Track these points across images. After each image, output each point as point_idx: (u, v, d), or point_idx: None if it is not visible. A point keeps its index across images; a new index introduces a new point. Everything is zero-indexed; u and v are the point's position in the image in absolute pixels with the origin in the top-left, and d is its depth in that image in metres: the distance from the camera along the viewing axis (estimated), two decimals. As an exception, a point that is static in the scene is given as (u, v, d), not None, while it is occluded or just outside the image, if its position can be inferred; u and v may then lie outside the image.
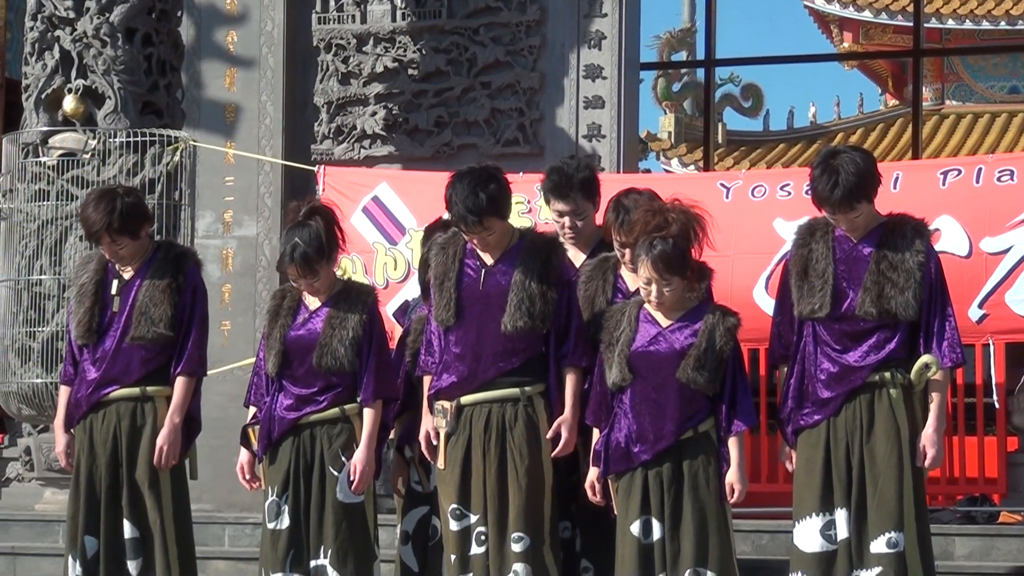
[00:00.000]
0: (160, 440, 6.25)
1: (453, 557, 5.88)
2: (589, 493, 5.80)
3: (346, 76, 10.56)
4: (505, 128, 10.33)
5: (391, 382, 6.13)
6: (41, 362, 8.96)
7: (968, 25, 21.41)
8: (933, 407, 5.65)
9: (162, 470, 6.26)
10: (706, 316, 5.70)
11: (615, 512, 5.74)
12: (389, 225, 8.88)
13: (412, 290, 7.98)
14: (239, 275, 10.30)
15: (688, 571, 5.60)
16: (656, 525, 5.65)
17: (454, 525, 5.87)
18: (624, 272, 6.07)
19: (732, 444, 5.67)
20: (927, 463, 5.64)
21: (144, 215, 6.39)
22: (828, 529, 5.61)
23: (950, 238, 7.82)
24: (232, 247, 10.34)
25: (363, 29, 10.56)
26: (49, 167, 9.07)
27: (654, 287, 5.67)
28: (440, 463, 5.92)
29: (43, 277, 9.03)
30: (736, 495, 5.65)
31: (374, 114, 10.49)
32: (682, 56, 20.47)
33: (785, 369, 5.83)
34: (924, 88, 19.48)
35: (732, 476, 5.65)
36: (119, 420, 6.30)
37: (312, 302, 6.12)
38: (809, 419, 5.71)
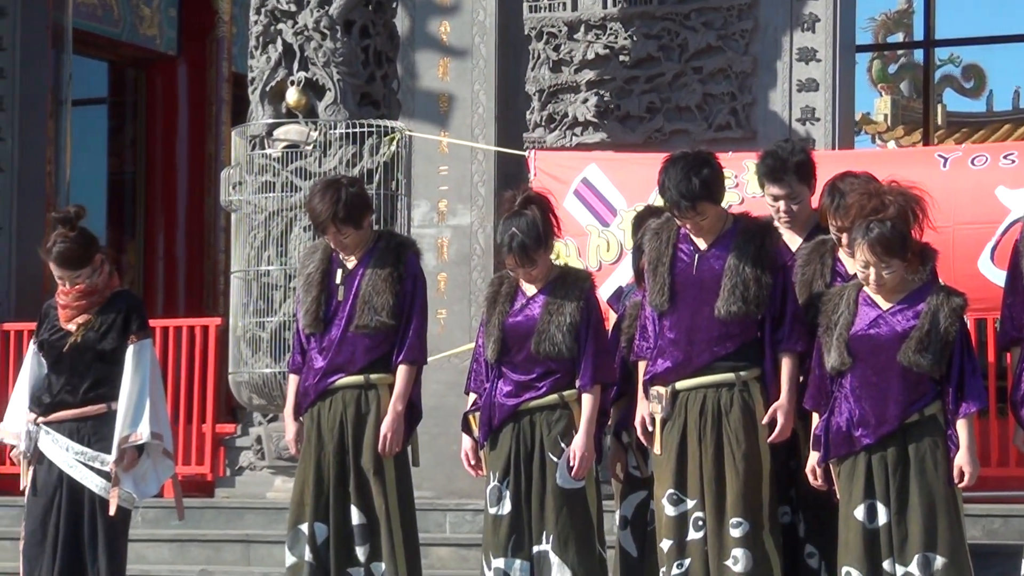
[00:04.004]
0: (384, 428, 6.32)
1: (669, 542, 5.87)
2: (810, 478, 5.75)
3: (557, 64, 10.60)
4: (717, 113, 10.26)
5: (609, 367, 6.14)
6: (270, 352, 9.05)
7: None
8: None
9: (386, 457, 6.34)
10: (929, 298, 5.60)
11: (837, 497, 5.69)
12: (600, 207, 8.87)
13: (625, 271, 7.98)
14: (454, 264, 10.39)
15: (917, 556, 5.52)
16: (881, 509, 5.58)
17: (671, 510, 5.87)
18: (843, 255, 6.01)
19: (961, 426, 5.56)
20: None
21: (367, 205, 6.48)
22: (1063, 512, 5.50)
23: None
24: (447, 236, 10.44)
25: (574, 16, 10.58)
26: (274, 159, 9.17)
27: (872, 271, 5.59)
28: (656, 448, 5.93)
29: (271, 268, 9.14)
30: (967, 478, 5.55)
31: (585, 101, 10.51)
32: (898, 37, 20.08)
33: (1017, 351, 5.70)
34: None
35: (962, 459, 5.55)
36: (345, 408, 6.38)
37: (529, 288, 6.16)
38: (1044, 402, 5.58)
